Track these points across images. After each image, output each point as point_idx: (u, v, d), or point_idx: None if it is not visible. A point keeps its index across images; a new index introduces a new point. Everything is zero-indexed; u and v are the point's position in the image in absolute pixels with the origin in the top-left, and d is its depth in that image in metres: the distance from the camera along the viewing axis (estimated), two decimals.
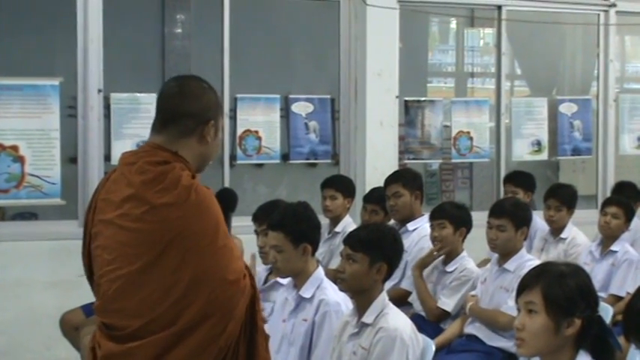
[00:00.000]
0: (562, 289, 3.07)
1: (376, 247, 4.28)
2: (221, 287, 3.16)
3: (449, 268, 5.82)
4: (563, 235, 7.08)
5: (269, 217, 4.84)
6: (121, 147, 6.92)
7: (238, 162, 8.11)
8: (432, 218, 5.88)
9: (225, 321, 3.16)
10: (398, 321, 4.21)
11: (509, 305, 5.17)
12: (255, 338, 3.29)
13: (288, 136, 8.27)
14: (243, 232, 5.81)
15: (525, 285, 3.13)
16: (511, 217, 5.44)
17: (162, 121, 3.34)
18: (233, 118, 8.03)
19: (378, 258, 4.25)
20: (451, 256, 5.83)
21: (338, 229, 6.90)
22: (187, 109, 3.30)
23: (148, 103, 7.17)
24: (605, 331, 3.12)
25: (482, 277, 5.60)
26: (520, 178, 7.69)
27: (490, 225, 5.51)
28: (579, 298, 3.08)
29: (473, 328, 5.47)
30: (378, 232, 4.48)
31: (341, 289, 4.42)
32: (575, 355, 3.08)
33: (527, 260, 5.41)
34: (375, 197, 6.90)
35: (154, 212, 3.16)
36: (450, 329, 5.60)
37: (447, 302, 5.74)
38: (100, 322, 3.29)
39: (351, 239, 4.38)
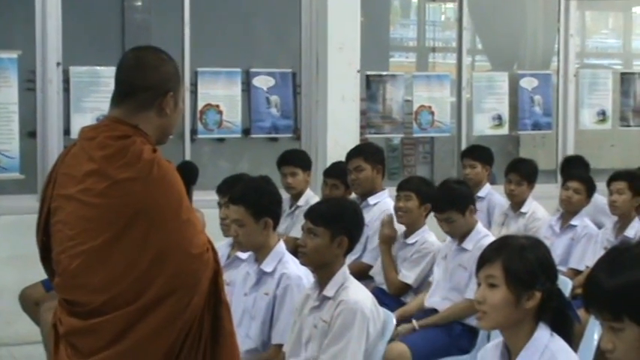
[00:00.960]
0: (522, 263, 3.09)
1: (337, 221, 4.27)
2: (185, 261, 3.14)
3: (410, 241, 5.84)
4: (523, 210, 7.12)
5: (232, 190, 4.83)
6: (80, 121, 6.87)
7: (199, 136, 8.07)
8: (399, 189, 5.90)
9: (190, 295, 3.15)
10: (359, 294, 4.22)
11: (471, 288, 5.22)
12: (220, 311, 3.28)
13: (250, 110, 8.23)
14: (204, 207, 5.78)
15: (486, 259, 3.14)
16: (457, 208, 5.46)
17: (121, 94, 3.30)
18: (194, 92, 7.97)
19: (339, 232, 4.24)
20: (413, 229, 5.85)
21: (300, 202, 6.89)
22: (145, 82, 3.26)
23: (107, 76, 7.10)
24: (565, 303, 3.15)
25: (443, 253, 5.61)
26: (478, 152, 7.72)
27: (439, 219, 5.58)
28: (539, 271, 3.10)
29: (434, 302, 5.49)
30: (339, 206, 4.48)
31: (302, 263, 4.42)
32: (535, 328, 3.10)
33: (483, 237, 5.42)
34: (336, 172, 6.90)
35: (117, 187, 3.13)
36: (412, 303, 5.61)
37: (409, 275, 5.77)
38: (61, 298, 3.26)
39: (312, 213, 4.37)
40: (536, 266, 3.10)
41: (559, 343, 3.09)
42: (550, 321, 3.12)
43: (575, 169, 7.41)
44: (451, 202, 5.45)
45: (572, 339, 3.18)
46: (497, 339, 3.29)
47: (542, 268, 3.11)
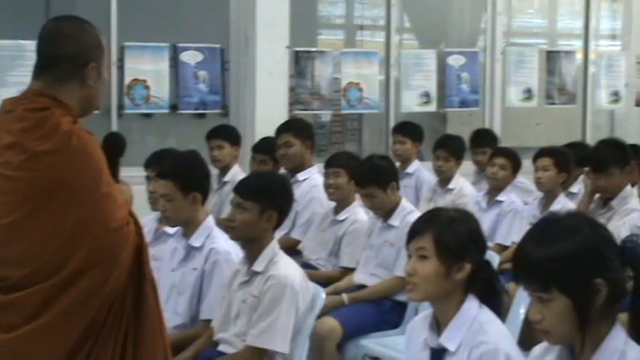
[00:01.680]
0: (452, 234, 3.10)
1: (266, 195, 4.25)
2: (104, 235, 3.09)
3: (340, 217, 5.84)
4: (450, 186, 7.18)
5: (160, 164, 4.77)
6: (4, 95, 6.68)
7: (126, 111, 7.99)
8: (327, 166, 5.89)
9: (110, 269, 3.10)
10: (288, 269, 4.22)
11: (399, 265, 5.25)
12: (143, 286, 3.24)
13: (177, 85, 8.16)
14: (131, 182, 5.74)
15: (416, 231, 3.15)
16: (376, 183, 5.44)
17: (41, 65, 3.22)
18: (120, 67, 7.88)
19: (269, 206, 4.22)
20: (343, 205, 5.85)
21: (227, 178, 6.87)
22: (65, 52, 3.18)
23: (32, 50, 6.69)
24: (494, 275, 3.17)
25: (369, 231, 5.62)
26: (408, 128, 7.75)
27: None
28: (469, 243, 3.12)
29: (361, 279, 5.51)
30: (268, 180, 4.47)
31: (231, 238, 4.40)
32: (464, 299, 3.12)
33: (409, 213, 5.43)
34: (265, 147, 6.88)
35: (35, 160, 3.06)
36: (344, 281, 5.61)
37: (347, 259, 5.77)
38: None
39: (241, 188, 4.34)
40: (465, 238, 3.12)
41: (487, 315, 3.12)
42: (479, 293, 3.14)
43: (485, 143, 7.49)
44: (372, 178, 5.44)
45: (501, 310, 3.21)
46: (425, 311, 3.31)
47: (471, 240, 3.14)
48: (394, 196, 5.48)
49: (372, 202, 5.44)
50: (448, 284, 3.09)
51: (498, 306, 3.19)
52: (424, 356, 3.15)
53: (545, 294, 2.49)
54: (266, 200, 4.22)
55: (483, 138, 7.93)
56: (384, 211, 5.47)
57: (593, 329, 2.49)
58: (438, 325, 3.15)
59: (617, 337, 2.50)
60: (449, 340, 3.08)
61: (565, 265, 2.47)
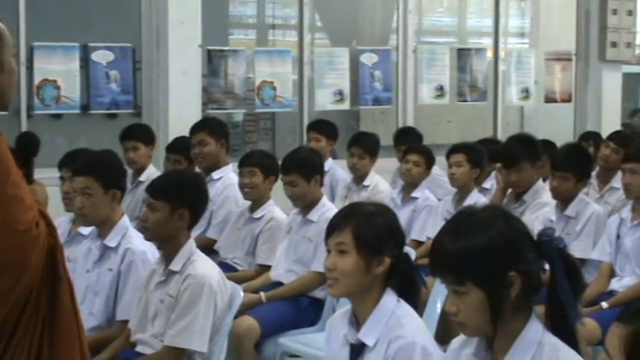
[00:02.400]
0: (371, 229, 3.11)
1: (177, 194, 4.21)
2: (11, 238, 3.00)
3: (256, 215, 5.82)
4: (365, 183, 7.21)
5: (76, 162, 4.71)
6: None
7: (36, 112, 7.86)
8: (241, 165, 5.86)
9: (19, 272, 3.02)
10: (206, 268, 4.19)
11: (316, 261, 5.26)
12: (58, 288, 3.16)
13: (88, 85, 8.05)
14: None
15: (335, 226, 3.15)
16: (300, 172, 5.44)
17: None
18: (30, 67, 7.75)
19: (179, 205, 4.17)
20: (259, 203, 5.83)
21: (142, 178, 6.79)
22: None
23: None
24: (413, 269, 3.19)
25: (288, 227, 5.62)
26: (323, 126, 7.77)
27: (284, 182, 5.53)
28: (388, 237, 3.13)
29: (278, 275, 5.50)
30: (178, 179, 4.44)
31: (146, 239, 4.35)
32: (382, 294, 3.13)
33: (328, 209, 5.43)
34: (179, 147, 6.84)
35: None
36: (260, 278, 5.59)
37: (264, 257, 5.74)
38: None
39: (151, 188, 4.31)
40: (385, 232, 3.13)
41: (405, 309, 3.13)
42: (397, 286, 3.16)
43: (409, 140, 7.56)
44: (298, 166, 5.44)
45: (418, 304, 3.23)
46: (344, 307, 3.31)
47: (391, 234, 3.15)
48: (316, 190, 5.48)
49: (294, 190, 5.43)
50: (368, 278, 3.10)
51: (416, 299, 3.21)
52: (344, 352, 3.15)
53: (459, 287, 2.51)
54: (176, 199, 4.18)
55: (407, 135, 8.01)
56: (304, 204, 5.46)
57: (508, 321, 2.52)
58: (357, 321, 3.15)
59: (534, 329, 2.53)
60: (367, 335, 3.09)
61: (479, 259, 2.49)
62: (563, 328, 2.54)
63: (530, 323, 2.54)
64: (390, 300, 3.12)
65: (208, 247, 5.96)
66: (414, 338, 3.02)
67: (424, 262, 5.53)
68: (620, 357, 2.13)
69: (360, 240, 3.09)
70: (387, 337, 3.05)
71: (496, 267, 2.49)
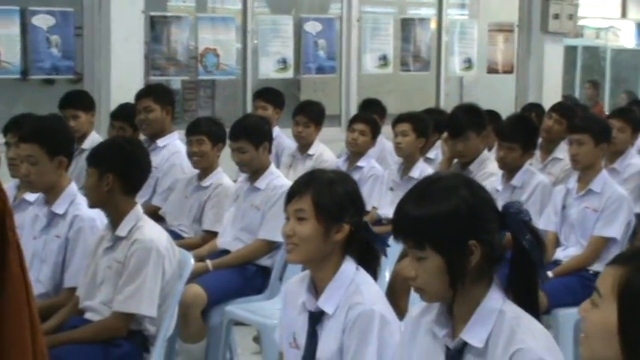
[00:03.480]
0: (331, 196, 3.10)
1: (102, 160, 4.21)
2: None
3: (204, 183, 5.77)
4: (310, 152, 7.18)
5: (21, 128, 4.62)
6: None
7: None
8: (189, 133, 5.78)
9: None
10: (153, 233, 4.16)
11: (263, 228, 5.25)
12: (7, 254, 3.11)
13: (29, 50, 7.90)
14: None
15: (295, 192, 3.13)
16: (249, 138, 5.41)
17: None
18: None
19: (105, 170, 4.15)
20: (207, 171, 5.78)
21: (85, 145, 6.68)
22: None
23: None
24: (372, 236, 3.18)
25: (235, 195, 5.58)
26: (270, 94, 7.73)
27: (232, 149, 5.48)
28: (348, 204, 3.12)
29: (225, 243, 5.47)
30: (106, 145, 4.46)
31: (89, 206, 4.33)
32: (342, 261, 3.12)
33: (276, 177, 5.42)
34: (123, 114, 6.75)
35: None
36: (206, 246, 5.56)
37: (210, 222, 5.70)
38: None
39: (88, 155, 4.35)
40: (345, 199, 3.12)
41: (363, 276, 3.13)
42: (356, 253, 3.15)
43: (373, 112, 7.58)
44: (247, 132, 5.40)
45: (377, 272, 3.23)
46: (301, 273, 3.30)
47: (350, 201, 3.14)
48: (265, 157, 5.45)
49: (242, 157, 5.39)
50: (327, 245, 3.09)
51: (375, 267, 3.21)
52: (302, 319, 3.14)
53: (419, 252, 2.51)
54: (102, 164, 4.18)
55: (372, 107, 8.00)
56: (252, 170, 5.42)
57: (468, 290, 2.52)
58: (315, 289, 3.14)
59: (494, 297, 2.54)
60: (327, 302, 3.08)
61: (440, 225, 2.49)
62: (525, 298, 2.55)
63: (491, 292, 2.54)
64: (349, 267, 3.12)
65: (153, 215, 5.89)
66: (372, 306, 3.02)
67: None
68: (612, 297, 2.14)
69: (320, 207, 3.08)
70: (345, 304, 3.05)
71: (457, 234, 2.49)
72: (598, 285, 2.18)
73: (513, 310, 2.53)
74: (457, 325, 2.56)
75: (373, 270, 3.19)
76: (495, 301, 2.53)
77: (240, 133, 5.41)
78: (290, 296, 3.25)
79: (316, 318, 3.10)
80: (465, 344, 2.53)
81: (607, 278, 2.17)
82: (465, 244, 2.49)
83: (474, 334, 2.51)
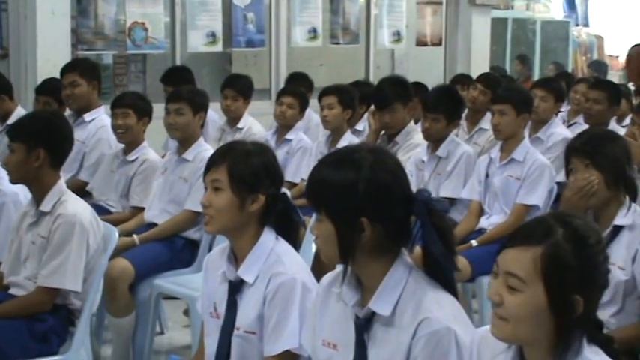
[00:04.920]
0: (247, 167, 3.12)
1: (29, 134, 4.15)
2: None
3: (130, 158, 5.75)
4: (239, 125, 7.19)
5: None
6: None
7: None
8: (114, 107, 5.74)
9: None
10: (77, 208, 4.13)
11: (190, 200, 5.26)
12: None
13: None
14: None
15: (212, 163, 3.16)
16: (189, 102, 5.43)
17: None
18: None
19: (34, 145, 4.10)
20: (132, 145, 5.76)
21: (11, 121, 6.62)
22: None
23: None
24: (290, 208, 3.22)
25: (163, 168, 5.58)
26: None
27: (168, 111, 5.47)
28: (263, 175, 3.14)
29: (152, 216, 5.47)
30: (33, 119, 4.38)
31: (11, 182, 4.27)
32: (260, 231, 3.15)
33: (204, 149, 5.43)
34: (48, 88, 6.69)
35: None
36: (134, 220, 5.55)
37: (138, 199, 5.68)
38: None
39: (9, 130, 4.27)
40: (260, 171, 3.14)
41: (284, 246, 3.17)
42: (275, 225, 3.19)
43: (299, 86, 7.58)
44: (189, 95, 5.45)
45: (297, 242, 3.26)
46: (221, 244, 3.33)
47: (266, 173, 3.16)
48: (197, 127, 5.47)
49: (178, 119, 5.38)
50: (243, 216, 3.12)
51: (295, 238, 3.24)
52: (222, 289, 3.17)
53: (317, 214, 2.59)
54: (30, 139, 4.12)
55: (299, 80, 8.03)
56: (183, 136, 5.43)
57: (368, 262, 2.57)
58: (235, 259, 3.17)
59: (400, 270, 2.57)
60: (246, 272, 3.11)
61: (333, 194, 2.54)
62: (439, 277, 2.59)
63: (397, 265, 2.58)
64: (268, 238, 3.15)
65: (80, 190, 5.87)
66: (294, 275, 3.06)
67: (299, 204, 5.62)
68: (536, 278, 2.19)
69: (235, 177, 3.10)
70: (266, 273, 3.08)
71: (348, 209, 2.52)
72: (513, 270, 2.21)
73: (421, 280, 2.57)
74: (366, 294, 2.61)
75: (293, 240, 3.22)
76: (402, 273, 2.57)
77: (182, 95, 5.45)
78: (211, 267, 3.28)
79: (236, 287, 3.13)
80: (373, 313, 2.58)
81: (523, 261, 2.21)
82: (356, 220, 2.51)
83: (381, 304, 2.56)
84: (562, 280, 2.18)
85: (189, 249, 5.36)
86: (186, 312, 5.93)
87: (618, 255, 3.69)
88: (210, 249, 5.19)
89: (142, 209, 5.61)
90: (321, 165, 2.62)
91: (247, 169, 3.12)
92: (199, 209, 5.09)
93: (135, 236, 5.28)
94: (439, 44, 11.04)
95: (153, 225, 5.42)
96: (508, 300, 2.22)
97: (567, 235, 2.21)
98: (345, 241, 2.53)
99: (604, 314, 3.66)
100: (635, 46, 12.12)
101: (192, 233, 5.35)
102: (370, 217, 2.51)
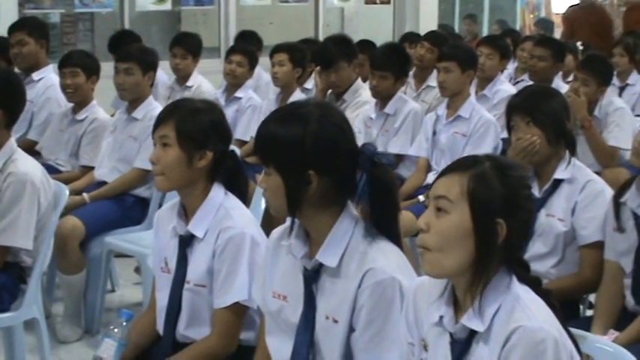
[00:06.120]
0: (194, 123, 3.16)
1: None
2: None
3: (79, 117, 5.75)
4: (189, 84, 7.21)
5: None
6: None
7: None
8: (62, 66, 5.72)
9: None
10: (27, 166, 4.13)
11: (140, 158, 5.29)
12: None
13: None
14: None
15: (160, 120, 3.19)
16: (138, 61, 5.44)
17: None
18: None
19: None
20: (81, 104, 5.75)
21: None
22: None
23: None
24: (238, 164, 3.27)
25: (113, 127, 5.59)
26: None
27: (117, 70, 5.47)
28: (212, 132, 3.18)
29: (102, 174, 5.48)
30: None
31: None
32: (210, 187, 3.20)
33: (154, 108, 5.43)
34: None
35: None
36: (84, 179, 5.57)
37: (88, 158, 5.69)
38: None
39: None
40: (208, 127, 3.18)
41: (233, 201, 3.22)
42: (225, 181, 3.24)
43: (246, 44, 7.59)
44: (138, 55, 5.44)
45: (246, 197, 3.32)
46: (172, 201, 3.37)
47: (214, 130, 3.20)
48: (147, 86, 5.47)
49: (127, 79, 5.37)
50: (191, 172, 3.16)
51: (244, 193, 3.29)
52: (173, 244, 3.22)
53: (266, 168, 2.63)
54: None
55: (248, 38, 8.06)
56: (132, 96, 5.43)
57: (314, 214, 2.63)
58: (185, 214, 3.22)
59: (345, 223, 2.64)
60: (196, 226, 3.16)
61: (280, 148, 2.59)
62: (384, 230, 2.65)
63: (343, 217, 2.64)
64: (218, 193, 3.20)
65: (30, 149, 5.86)
66: (243, 229, 3.12)
67: (250, 161, 5.67)
68: (463, 200, 2.26)
69: (182, 133, 3.14)
70: (216, 228, 3.13)
71: (294, 162, 2.57)
72: (442, 192, 2.29)
73: (366, 232, 2.63)
74: (314, 247, 2.67)
75: (242, 196, 3.28)
76: (348, 225, 2.63)
77: (131, 54, 5.45)
78: (161, 222, 3.32)
79: (186, 242, 3.18)
80: (321, 265, 2.65)
81: (453, 185, 2.28)
82: (304, 173, 2.57)
83: (328, 255, 2.62)
84: (486, 201, 2.25)
85: (140, 207, 5.39)
86: (137, 269, 5.97)
87: (558, 207, 3.80)
88: (160, 207, 5.22)
89: (91, 168, 5.62)
90: (269, 120, 2.67)
91: (195, 126, 3.16)
92: (149, 167, 5.10)
93: (85, 195, 5.30)
94: (388, 2, 11.08)
95: (103, 183, 5.45)
96: (435, 224, 2.29)
97: (494, 165, 2.31)
98: (293, 193, 2.58)
99: (545, 265, 3.79)
100: (571, 6, 12.27)
101: (142, 191, 5.38)
102: (317, 169, 2.57)
